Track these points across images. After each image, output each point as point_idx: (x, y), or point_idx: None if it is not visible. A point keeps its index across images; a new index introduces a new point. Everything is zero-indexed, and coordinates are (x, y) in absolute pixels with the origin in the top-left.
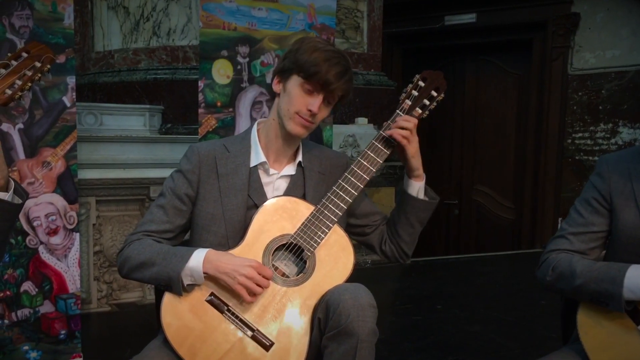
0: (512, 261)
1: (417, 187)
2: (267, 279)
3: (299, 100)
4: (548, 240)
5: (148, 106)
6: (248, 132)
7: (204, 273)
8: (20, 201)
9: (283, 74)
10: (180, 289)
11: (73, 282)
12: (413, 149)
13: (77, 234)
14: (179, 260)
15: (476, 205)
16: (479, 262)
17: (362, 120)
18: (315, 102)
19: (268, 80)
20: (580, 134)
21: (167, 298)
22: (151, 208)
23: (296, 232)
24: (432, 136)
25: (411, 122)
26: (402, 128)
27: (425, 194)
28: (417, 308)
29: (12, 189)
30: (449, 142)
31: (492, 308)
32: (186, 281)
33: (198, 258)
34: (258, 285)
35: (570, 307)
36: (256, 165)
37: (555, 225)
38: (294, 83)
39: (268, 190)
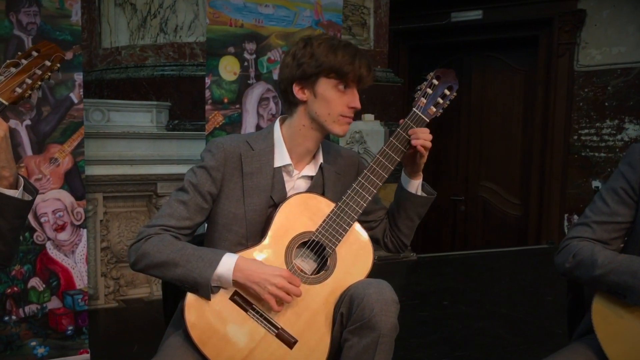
0: (518, 257)
1: (416, 185)
2: (297, 286)
3: (337, 102)
4: (571, 226)
5: (155, 103)
6: (270, 130)
7: (234, 280)
8: (30, 198)
9: (306, 80)
10: (209, 294)
11: (80, 278)
12: (425, 158)
13: (85, 230)
14: (207, 266)
15: (482, 202)
16: (485, 258)
17: (369, 117)
18: (355, 98)
19: (275, 77)
20: (586, 131)
21: (191, 297)
22: (171, 202)
23: (318, 229)
24: (439, 132)
25: (429, 136)
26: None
27: (423, 189)
28: (424, 304)
29: (21, 186)
30: (456, 138)
31: (498, 304)
32: (212, 284)
33: (227, 265)
34: (288, 293)
35: (577, 303)
36: (280, 167)
37: (562, 222)
38: (327, 86)
39: (289, 190)
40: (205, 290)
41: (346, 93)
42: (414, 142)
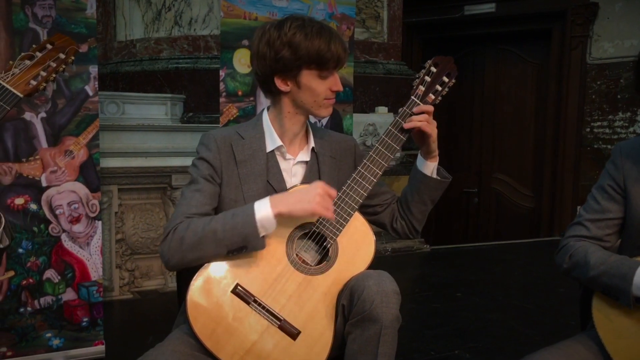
0: (531, 249)
1: (432, 167)
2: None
3: (321, 89)
4: (567, 226)
5: (170, 95)
6: (259, 118)
7: (276, 216)
8: (7, 243)
9: (288, 73)
10: (262, 243)
11: (95, 269)
12: (435, 133)
13: (99, 222)
14: (245, 218)
15: (495, 194)
16: (498, 250)
17: (382, 109)
18: (336, 81)
19: None
20: (598, 123)
21: (192, 291)
22: (185, 195)
23: (318, 220)
24: (452, 125)
25: (428, 107)
26: (420, 113)
27: (439, 173)
28: (437, 295)
29: (1, 227)
30: (469, 130)
31: (511, 295)
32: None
33: (264, 208)
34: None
35: (589, 294)
36: (273, 150)
37: (574, 214)
38: (309, 77)
39: (286, 176)
40: (257, 240)
41: (327, 78)
42: (406, 125)
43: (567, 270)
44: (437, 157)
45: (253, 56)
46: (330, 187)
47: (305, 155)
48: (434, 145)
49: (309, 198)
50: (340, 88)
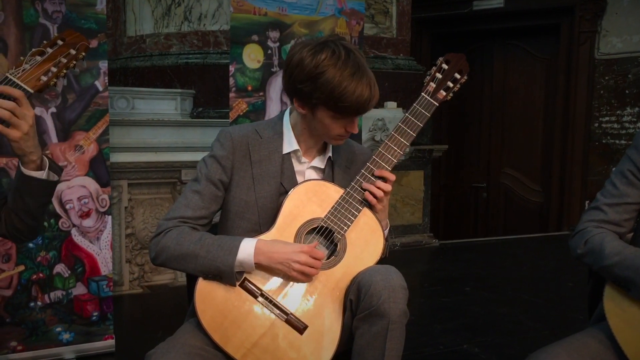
0: (539, 244)
1: None
2: (319, 259)
3: (334, 127)
4: (584, 211)
5: (179, 90)
6: (280, 117)
7: (256, 264)
8: (56, 178)
9: (306, 101)
10: (234, 280)
11: (105, 264)
12: (381, 206)
13: (109, 217)
14: (227, 254)
15: (504, 189)
16: (506, 244)
17: (391, 105)
18: (353, 124)
19: None
20: (607, 118)
21: (201, 284)
22: (185, 193)
23: (326, 215)
24: (461, 120)
25: (388, 186)
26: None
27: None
28: (446, 290)
29: (47, 167)
30: (478, 126)
31: (520, 290)
32: (235, 270)
33: (247, 250)
34: (313, 267)
35: (598, 289)
36: (289, 153)
37: (583, 209)
38: (324, 114)
39: (299, 178)
40: (230, 278)
41: (345, 118)
42: (365, 185)
43: (580, 255)
44: (383, 223)
45: (285, 63)
46: (317, 250)
47: (320, 162)
48: (380, 212)
49: (291, 262)
50: (356, 131)
